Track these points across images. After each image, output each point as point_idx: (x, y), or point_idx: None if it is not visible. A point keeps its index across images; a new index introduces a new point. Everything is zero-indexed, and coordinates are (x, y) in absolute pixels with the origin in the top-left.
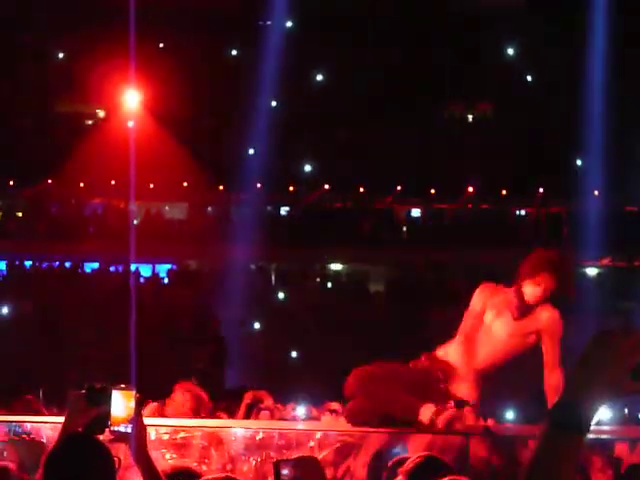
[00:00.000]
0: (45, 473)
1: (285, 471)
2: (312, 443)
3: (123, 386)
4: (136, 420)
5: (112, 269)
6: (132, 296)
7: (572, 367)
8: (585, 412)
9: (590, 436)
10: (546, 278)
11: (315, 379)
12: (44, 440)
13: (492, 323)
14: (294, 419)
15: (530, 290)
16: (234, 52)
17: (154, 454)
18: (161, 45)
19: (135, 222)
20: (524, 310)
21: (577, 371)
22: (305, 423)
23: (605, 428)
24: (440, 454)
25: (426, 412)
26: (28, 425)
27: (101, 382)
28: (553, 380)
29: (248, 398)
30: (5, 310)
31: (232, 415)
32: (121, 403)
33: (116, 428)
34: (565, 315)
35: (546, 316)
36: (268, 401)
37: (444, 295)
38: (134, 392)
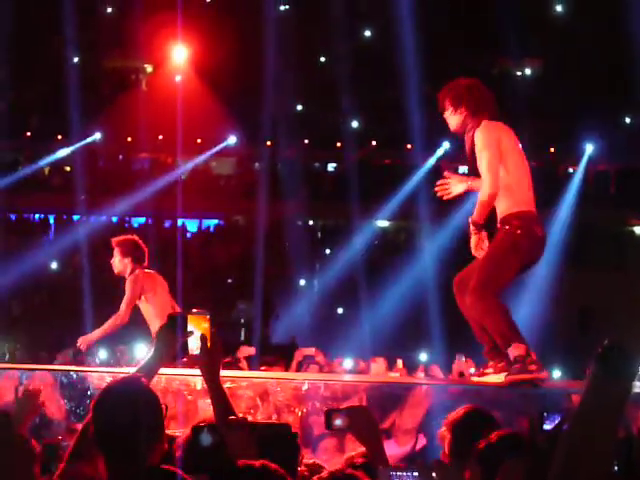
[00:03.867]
0: (94, 417)
1: (337, 420)
2: (358, 395)
3: (196, 311)
4: (209, 343)
5: (159, 224)
6: (179, 251)
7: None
8: (634, 358)
9: (636, 390)
10: (447, 99)
11: (362, 335)
12: (90, 389)
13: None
14: (342, 372)
15: (450, 119)
16: (282, 7)
17: (200, 403)
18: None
19: (182, 177)
20: (469, 145)
21: (630, 318)
22: (350, 375)
23: None
24: (489, 408)
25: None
26: (74, 375)
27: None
28: (480, 194)
29: (299, 356)
30: (54, 265)
31: (279, 370)
32: (197, 328)
33: (194, 352)
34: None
35: (475, 136)
36: (319, 357)
37: None
38: (208, 316)
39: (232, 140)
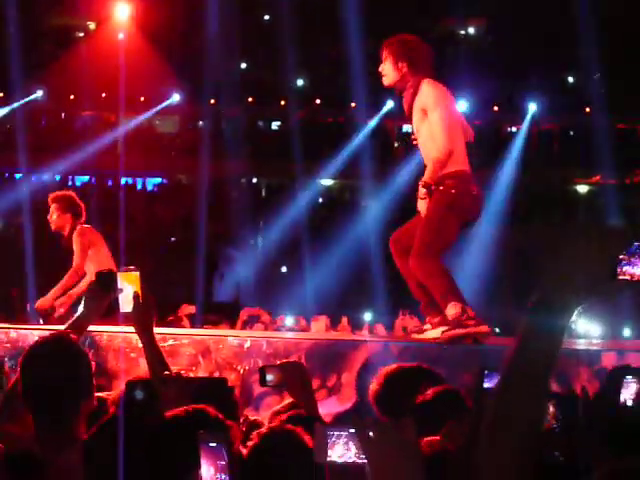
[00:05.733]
0: (21, 374)
1: (270, 376)
2: (300, 352)
3: (126, 268)
4: (141, 299)
5: (102, 182)
6: (121, 209)
7: (549, 264)
8: (563, 310)
9: (577, 348)
10: (387, 52)
11: (306, 294)
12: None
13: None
14: (284, 330)
15: (387, 72)
16: None
17: (143, 361)
18: None
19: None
20: (408, 102)
21: (553, 268)
22: (293, 332)
23: (592, 341)
24: (431, 364)
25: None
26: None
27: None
28: (432, 152)
29: (244, 315)
30: None
31: (223, 329)
32: (127, 285)
33: (125, 310)
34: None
35: (420, 92)
36: (264, 317)
37: None
38: (137, 273)
39: (175, 98)
